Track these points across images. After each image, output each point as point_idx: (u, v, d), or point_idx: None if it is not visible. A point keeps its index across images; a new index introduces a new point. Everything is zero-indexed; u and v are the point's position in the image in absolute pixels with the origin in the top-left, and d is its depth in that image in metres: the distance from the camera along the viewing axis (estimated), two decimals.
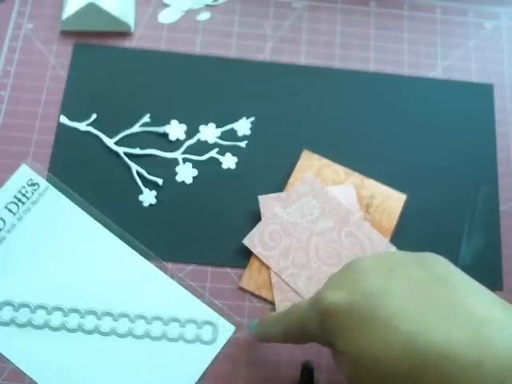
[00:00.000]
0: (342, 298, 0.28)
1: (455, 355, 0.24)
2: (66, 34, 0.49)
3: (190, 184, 0.45)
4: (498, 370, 0.24)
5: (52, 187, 0.44)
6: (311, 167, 0.46)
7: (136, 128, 0.46)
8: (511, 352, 0.24)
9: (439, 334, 0.25)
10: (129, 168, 0.45)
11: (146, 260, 0.42)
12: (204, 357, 0.40)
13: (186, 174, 0.45)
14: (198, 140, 0.47)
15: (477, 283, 0.28)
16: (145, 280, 0.42)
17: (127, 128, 0.46)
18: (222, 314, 0.41)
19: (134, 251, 0.42)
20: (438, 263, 0.29)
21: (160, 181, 0.45)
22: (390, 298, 0.27)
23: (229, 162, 0.46)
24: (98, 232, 0.43)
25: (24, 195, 0.43)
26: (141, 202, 0.44)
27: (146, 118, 0.47)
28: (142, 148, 0.46)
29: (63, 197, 0.43)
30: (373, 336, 0.27)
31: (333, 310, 0.28)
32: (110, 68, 0.48)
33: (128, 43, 0.49)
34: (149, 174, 0.45)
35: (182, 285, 0.42)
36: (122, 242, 0.43)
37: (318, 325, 0.30)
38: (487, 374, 0.24)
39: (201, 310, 0.41)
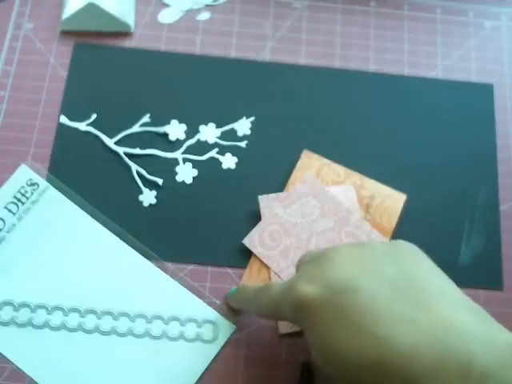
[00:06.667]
0: (314, 293, 0.29)
1: (418, 362, 0.25)
2: (66, 33, 0.49)
3: (190, 184, 0.45)
4: (459, 377, 0.24)
5: (52, 187, 0.44)
6: (311, 167, 0.46)
7: (136, 128, 0.46)
8: (470, 359, 0.24)
9: (404, 340, 0.25)
10: (129, 168, 0.45)
11: (145, 259, 0.42)
12: (204, 356, 0.40)
13: (186, 173, 0.45)
14: (198, 140, 0.47)
15: (445, 281, 0.29)
16: (145, 279, 0.42)
17: (127, 128, 0.46)
18: (222, 313, 0.41)
19: (133, 250, 0.42)
20: (410, 257, 0.29)
21: (160, 181, 0.45)
22: (359, 297, 0.27)
23: (229, 161, 0.46)
24: (98, 232, 0.43)
25: (24, 195, 0.43)
26: (141, 202, 0.44)
27: (146, 118, 0.47)
28: (142, 148, 0.46)
29: (63, 197, 0.43)
30: (340, 334, 0.27)
31: (304, 303, 0.29)
32: (110, 68, 0.48)
33: (128, 43, 0.49)
34: (149, 174, 0.45)
35: (182, 284, 0.42)
36: (122, 242, 0.43)
37: (291, 312, 0.30)
38: (448, 382, 0.24)
39: (201, 309, 0.41)
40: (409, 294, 0.27)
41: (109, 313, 0.41)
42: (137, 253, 0.42)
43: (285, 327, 0.40)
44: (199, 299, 0.42)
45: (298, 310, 0.30)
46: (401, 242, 0.31)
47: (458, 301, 0.27)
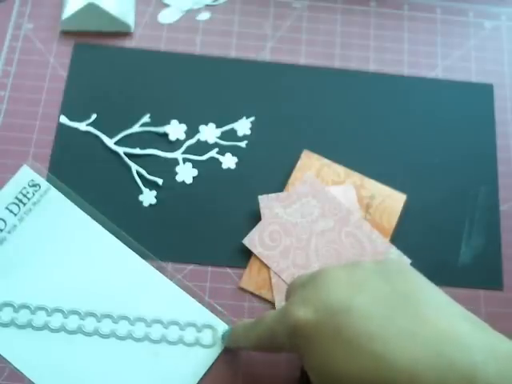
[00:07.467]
0: (309, 317, 0.28)
1: (420, 377, 0.24)
2: (66, 33, 0.49)
3: (190, 184, 0.45)
4: None
5: (53, 188, 0.43)
6: (311, 167, 0.46)
7: (136, 128, 0.46)
8: (473, 372, 0.24)
9: (404, 355, 0.25)
10: (129, 168, 0.45)
11: (145, 262, 0.42)
12: (203, 360, 0.40)
13: (186, 173, 0.45)
14: (198, 140, 0.47)
15: (440, 294, 0.28)
16: (145, 282, 0.42)
17: (127, 128, 0.46)
18: (222, 317, 0.41)
19: (134, 253, 0.42)
20: (403, 274, 0.29)
21: (160, 181, 0.45)
22: (354, 316, 0.27)
23: (229, 161, 0.46)
24: (98, 234, 0.43)
25: (25, 196, 0.43)
26: (141, 202, 0.44)
27: (146, 118, 0.47)
28: (142, 148, 0.46)
29: (64, 198, 0.43)
30: (338, 356, 0.27)
31: (299, 327, 0.29)
32: (110, 68, 0.48)
33: (128, 43, 0.49)
34: (149, 174, 0.45)
35: (182, 287, 0.42)
36: (123, 244, 0.42)
37: (287, 337, 0.30)
38: None
39: (201, 314, 0.41)
40: (404, 308, 0.27)
41: (108, 316, 0.41)
42: (137, 255, 0.42)
43: None
44: (199, 304, 0.41)
45: (293, 334, 0.29)
46: (391, 260, 0.31)
47: (455, 312, 0.27)
